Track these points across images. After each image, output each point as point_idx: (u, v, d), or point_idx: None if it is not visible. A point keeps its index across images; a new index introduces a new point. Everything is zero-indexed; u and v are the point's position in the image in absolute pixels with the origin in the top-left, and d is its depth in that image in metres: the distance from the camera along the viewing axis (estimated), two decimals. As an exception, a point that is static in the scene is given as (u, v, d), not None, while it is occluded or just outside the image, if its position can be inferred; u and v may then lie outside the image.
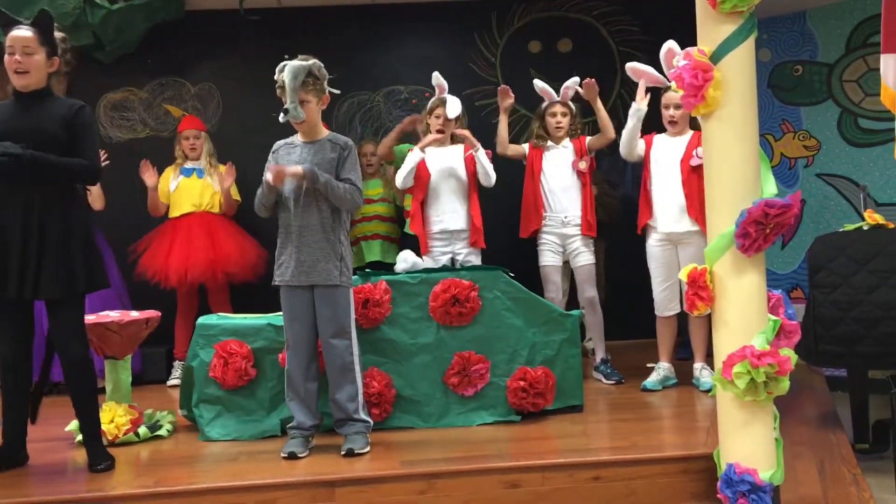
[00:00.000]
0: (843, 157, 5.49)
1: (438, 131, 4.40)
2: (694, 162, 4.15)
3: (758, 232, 2.64)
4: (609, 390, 4.37)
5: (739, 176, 2.70)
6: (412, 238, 4.52)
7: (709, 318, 2.89)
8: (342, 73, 3.54)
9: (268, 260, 5.20)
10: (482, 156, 4.40)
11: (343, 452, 3.28)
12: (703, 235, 4.05)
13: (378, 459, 3.24)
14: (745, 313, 2.71)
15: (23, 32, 3.18)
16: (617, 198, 5.36)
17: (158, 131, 5.76)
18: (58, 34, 3.28)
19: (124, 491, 2.97)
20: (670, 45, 4.04)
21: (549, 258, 4.58)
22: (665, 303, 4.37)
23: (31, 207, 3.12)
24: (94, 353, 3.64)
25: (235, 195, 5.20)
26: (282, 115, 3.34)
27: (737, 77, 2.69)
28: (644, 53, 4.33)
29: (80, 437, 3.52)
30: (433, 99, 4.47)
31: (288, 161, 3.42)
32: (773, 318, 2.73)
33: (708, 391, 4.08)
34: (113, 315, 3.81)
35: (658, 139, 4.41)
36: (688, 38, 2.89)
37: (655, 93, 4.42)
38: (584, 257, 4.55)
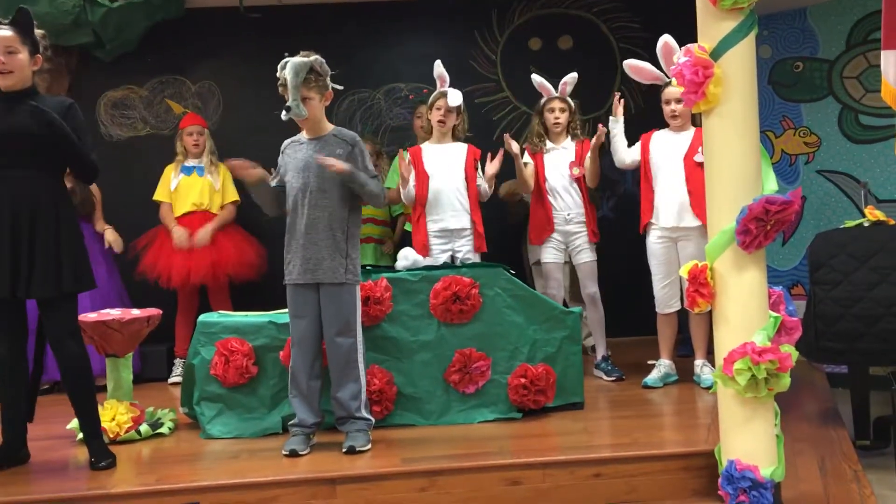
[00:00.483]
0: (843, 153, 5.49)
1: (439, 122, 4.39)
2: (698, 158, 4.13)
3: (758, 228, 2.64)
4: (610, 387, 4.37)
5: (740, 172, 2.70)
6: (407, 240, 4.50)
7: (710, 314, 2.89)
8: (342, 70, 3.53)
9: (268, 259, 5.21)
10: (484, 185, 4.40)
11: (344, 450, 3.28)
12: (703, 232, 4.05)
13: (379, 457, 3.24)
14: (746, 310, 2.71)
15: (3, 32, 3.13)
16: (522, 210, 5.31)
17: (159, 129, 5.75)
18: (37, 31, 3.23)
19: (126, 489, 2.97)
20: (666, 39, 4.04)
21: (551, 255, 4.58)
22: (666, 300, 4.37)
23: (20, 204, 3.10)
24: (95, 352, 3.66)
25: (234, 196, 5.18)
26: (284, 112, 3.34)
27: (737, 74, 2.69)
28: (644, 50, 4.33)
29: (81, 435, 3.53)
30: (434, 93, 4.47)
31: (295, 159, 3.43)
32: (774, 314, 2.73)
33: (709, 388, 4.08)
34: (114, 313, 3.82)
35: (659, 136, 4.40)
36: (688, 35, 2.89)
37: (656, 90, 4.42)
38: (586, 254, 4.54)
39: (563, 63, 4.86)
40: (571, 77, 4.54)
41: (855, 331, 3.53)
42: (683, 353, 4.73)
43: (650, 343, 4.59)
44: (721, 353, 2.74)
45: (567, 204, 4.54)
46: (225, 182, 5.18)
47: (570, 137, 4.61)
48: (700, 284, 2.76)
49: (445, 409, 3.75)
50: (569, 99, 4.60)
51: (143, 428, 3.69)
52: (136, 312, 3.85)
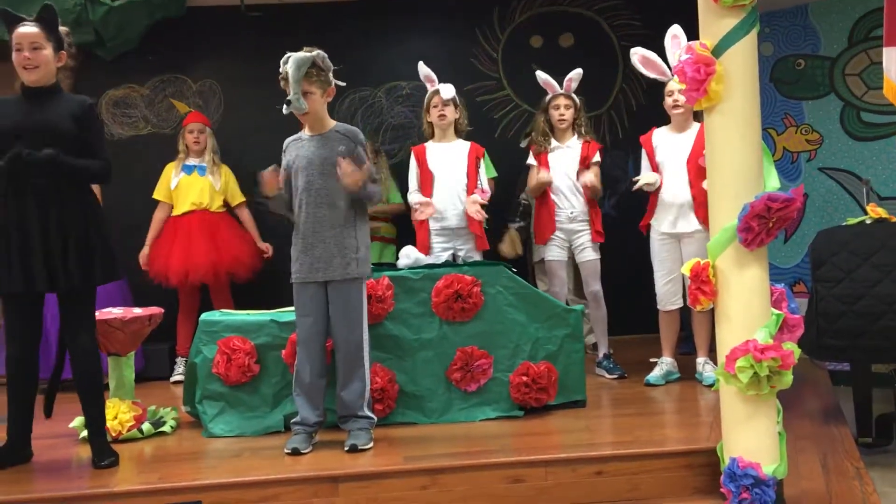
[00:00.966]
0: (845, 150, 5.48)
1: (440, 117, 4.39)
2: (703, 162, 4.08)
3: (760, 226, 2.64)
4: (612, 385, 4.38)
5: (742, 170, 2.70)
6: (410, 238, 4.50)
7: (712, 312, 2.89)
8: (343, 68, 3.53)
9: (270, 257, 5.22)
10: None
11: (346, 448, 3.28)
12: (706, 231, 4.04)
13: (381, 455, 3.24)
14: (748, 307, 2.71)
15: (29, 28, 3.19)
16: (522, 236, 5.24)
17: (160, 128, 5.75)
18: (62, 29, 3.30)
19: (128, 487, 2.97)
20: (675, 30, 4.02)
21: (555, 252, 4.58)
22: (668, 297, 4.36)
23: (47, 199, 3.15)
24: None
25: (241, 197, 5.19)
26: (285, 106, 3.34)
27: (739, 71, 2.68)
28: (646, 48, 4.31)
29: (83, 434, 3.54)
30: (427, 94, 4.47)
31: (297, 157, 3.42)
32: (776, 312, 2.73)
33: (711, 385, 4.08)
34: (116, 312, 3.82)
35: (661, 135, 4.38)
36: (690, 32, 2.89)
37: (656, 88, 4.42)
38: (589, 253, 4.54)
39: (565, 61, 4.86)
40: (577, 73, 4.51)
41: (857, 328, 3.53)
42: (685, 350, 4.73)
43: (652, 341, 4.59)
44: (723, 350, 2.74)
45: (571, 203, 4.54)
46: (228, 183, 5.18)
47: (575, 136, 4.59)
48: (702, 282, 2.76)
49: (447, 408, 3.75)
50: (574, 96, 4.57)
51: (146, 426, 3.69)
52: (137, 311, 3.85)
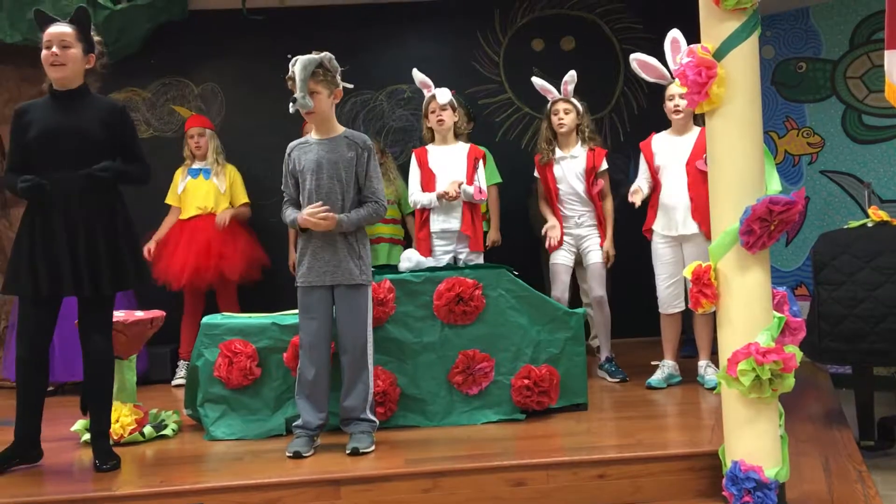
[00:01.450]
0: (847, 153, 5.48)
1: (439, 122, 4.39)
2: (701, 165, 4.08)
3: (762, 229, 2.64)
4: (614, 388, 4.37)
5: (743, 173, 2.70)
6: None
7: (713, 315, 2.89)
8: (345, 72, 3.54)
9: (274, 260, 5.22)
10: (468, 189, 4.33)
11: (348, 451, 3.28)
12: (706, 236, 4.05)
13: (383, 458, 3.24)
14: (749, 310, 2.71)
15: (60, 28, 3.22)
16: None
17: (162, 132, 5.76)
18: (95, 36, 3.32)
19: (130, 490, 2.97)
20: (675, 34, 4.02)
21: (561, 256, 4.56)
22: (670, 300, 4.36)
23: (72, 203, 3.16)
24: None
25: (244, 198, 5.20)
26: (291, 104, 3.35)
27: (740, 74, 2.69)
28: (647, 51, 4.31)
29: (85, 437, 3.54)
30: (424, 101, 4.48)
31: (304, 161, 3.40)
32: (778, 315, 2.73)
33: (713, 389, 4.07)
34: (118, 315, 3.81)
35: (660, 140, 4.38)
36: (691, 36, 2.89)
37: (657, 91, 4.42)
38: (595, 255, 4.54)
39: (566, 64, 4.85)
40: (570, 76, 4.47)
41: (859, 331, 3.52)
42: (687, 353, 4.73)
43: (654, 344, 4.59)
44: (725, 353, 2.74)
45: (578, 210, 4.54)
46: (234, 185, 5.19)
47: (580, 143, 4.56)
48: (704, 285, 2.76)
49: (449, 411, 3.75)
50: (573, 100, 4.54)
51: (147, 430, 3.69)
52: (139, 314, 3.85)
